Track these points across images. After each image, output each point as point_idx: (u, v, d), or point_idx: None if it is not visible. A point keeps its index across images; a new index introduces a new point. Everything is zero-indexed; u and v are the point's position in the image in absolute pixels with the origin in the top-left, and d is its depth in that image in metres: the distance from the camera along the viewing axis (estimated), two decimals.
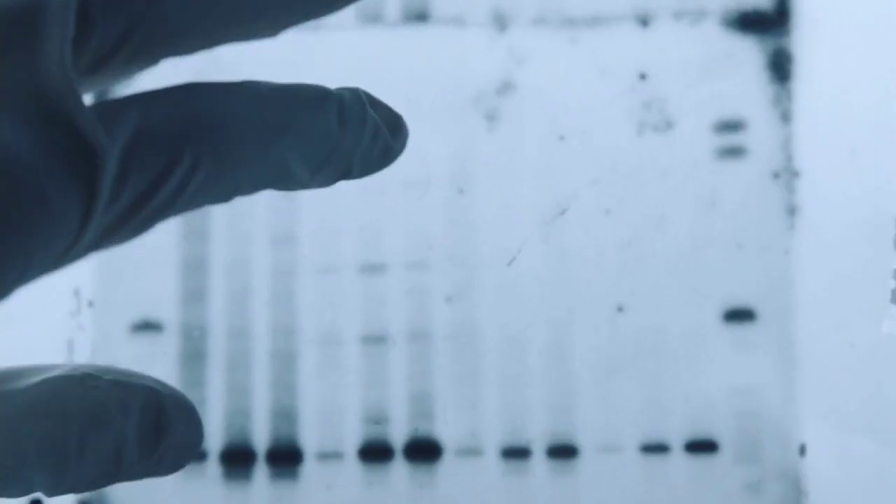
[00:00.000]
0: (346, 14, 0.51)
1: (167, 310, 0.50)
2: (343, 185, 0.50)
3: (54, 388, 0.22)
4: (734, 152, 0.49)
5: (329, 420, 0.49)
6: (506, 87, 0.50)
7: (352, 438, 0.49)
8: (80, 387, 0.22)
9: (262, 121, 0.21)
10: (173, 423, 0.23)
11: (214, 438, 0.49)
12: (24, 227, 0.18)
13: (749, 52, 0.50)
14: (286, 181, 0.22)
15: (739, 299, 0.49)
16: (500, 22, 0.50)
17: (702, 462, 0.48)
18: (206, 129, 0.20)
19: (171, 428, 0.23)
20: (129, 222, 0.20)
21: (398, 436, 0.49)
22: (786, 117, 0.49)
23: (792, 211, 0.49)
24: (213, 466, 0.49)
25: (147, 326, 0.50)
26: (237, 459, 0.49)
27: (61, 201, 0.18)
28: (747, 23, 0.50)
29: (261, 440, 0.49)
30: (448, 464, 0.49)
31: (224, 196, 0.21)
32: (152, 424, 0.23)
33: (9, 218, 0.18)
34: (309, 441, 0.49)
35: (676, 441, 0.49)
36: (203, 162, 0.20)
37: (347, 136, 0.23)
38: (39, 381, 0.22)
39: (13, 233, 0.18)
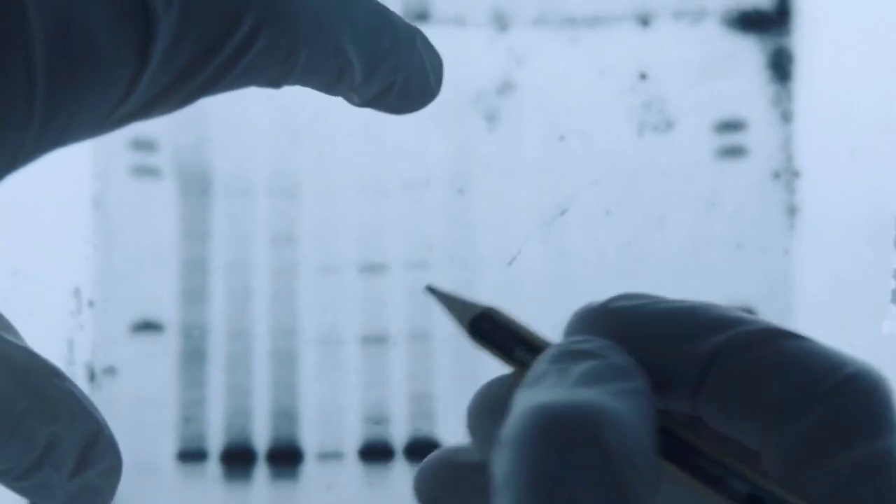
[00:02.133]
0: None
1: (167, 310, 0.50)
2: (343, 185, 0.50)
3: (27, 359, 0.22)
4: (734, 152, 0.49)
5: (329, 420, 0.49)
6: (506, 87, 0.50)
7: (352, 438, 0.49)
8: (46, 375, 0.22)
9: (328, 9, 0.21)
10: (99, 459, 0.23)
11: (215, 439, 0.49)
12: (76, 74, 0.17)
13: (749, 52, 0.50)
14: (340, 73, 0.22)
15: (739, 299, 0.49)
16: (500, 22, 0.50)
17: None
18: (271, 4, 0.20)
19: (96, 462, 0.23)
20: (178, 89, 0.19)
21: (398, 436, 0.49)
22: (786, 117, 0.49)
23: (792, 211, 0.49)
24: (213, 466, 0.49)
25: (147, 326, 0.50)
26: (237, 459, 0.49)
27: (114, 53, 0.18)
28: (747, 22, 0.50)
29: (261, 440, 0.49)
30: None
31: (279, 75, 0.21)
32: (84, 448, 0.23)
33: (62, 61, 0.17)
34: (309, 441, 0.49)
35: None
36: (262, 30, 0.19)
37: (398, 51, 0.23)
38: (19, 345, 0.22)
39: (65, 78, 0.17)
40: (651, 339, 0.20)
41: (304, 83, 0.22)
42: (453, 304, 0.23)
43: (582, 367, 0.19)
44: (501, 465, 0.17)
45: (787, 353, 0.19)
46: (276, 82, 0.21)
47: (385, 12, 0.23)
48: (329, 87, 0.22)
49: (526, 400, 0.18)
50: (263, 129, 0.50)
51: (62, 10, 0.17)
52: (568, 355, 0.19)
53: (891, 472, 0.18)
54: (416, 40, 0.24)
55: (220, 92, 0.20)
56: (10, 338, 0.22)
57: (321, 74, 0.22)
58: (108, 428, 0.24)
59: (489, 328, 0.23)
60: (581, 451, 0.17)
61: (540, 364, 0.19)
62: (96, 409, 0.23)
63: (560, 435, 0.17)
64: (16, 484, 0.22)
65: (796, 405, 0.18)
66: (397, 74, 0.23)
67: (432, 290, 0.23)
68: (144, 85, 0.18)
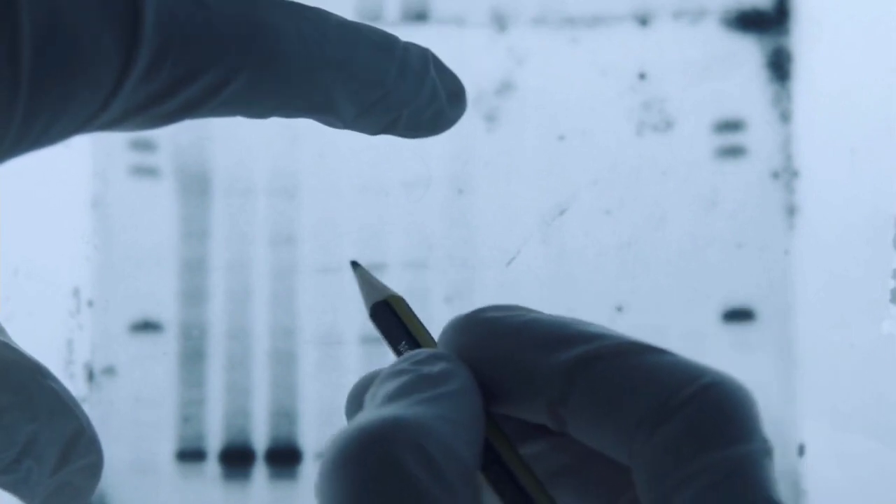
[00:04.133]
0: (346, 13, 0.51)
1: (167, 310, 0.50)
2: (343, 185, 0.50)
3: (8, 356, 0.22)
4: (734, 152, 0.49)
5: (329, 420, 0.49)
6: (506, 87, 0.50)
7: None
8: (28, 373, 0.22)
9: (319, 49, 0.21)
10: (80, 457, 0.23)
11: (214, 438, 0.49)
12: (60, 77, 0.17)
13: (749, 52, 0.50)
14: (328, 114, 0.22)
15: (739, 299, 0.49)
16: (500, 22, 0.50)
17: None
18: (258, 41, 0.20)
19: (76, 459, 0.23)
20: (158, 106, 0.19)
21: None
22: (785, 117, 0.49)
23: (792, 211, 0.49)
24: (213, 466, 0.49)
25: (147, 326, 0.50)
26: (237, 459, 0.49)
27: (98, 60, 0.18)
28: (747, 22, 0.50)
29: (261, 440, 0.49)
30: None
31: (261, 112, 0.21)
32: (65, 445, 0.23)
33: (48, 63, 0.17)
34: (309, 441, 0.49)
35: None
36: (243, 72, 0.20)
37: (403, 87, 0.23)
38: (4, 344, 0.22)
39: (49, 80, 0.17)
40: (513, 350, 0.20)
41: (291, 118, 0.22)
42: (368, 284, 0.24)
43: (395, 384, 0.19)
44: (317, 493, 0.18)
45: (645, 367, 0.19)
46: (260, 115, 0.21)
47: (391, 48, 0.22)
48: (321, 122, 0.22)
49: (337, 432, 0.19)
50: (263, 129, 0.50)
51: (53, 15, 0.17)
52: (394, 374, 0.20)
53: (749, 477, 0.18)
54: (428, 71, 0.23)
55: (203, 117, 0.20)
56: None
57: (307, 113, 0.22)
58: (90, 427, 0.24)
59: (387, 316, 0.24)
60: (377, 476, 0.17)
61: (374, 384, 0.20)
62: (79, 408, 0.24)
63: (354, 464, 0.17)
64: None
65: (655, 417, 0.18)
66: (402, 109, 0.23)
67: (354, 265, 0.24)
68: (124, 96, 0.19)
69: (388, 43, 0.22)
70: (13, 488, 0.23)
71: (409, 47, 0.23)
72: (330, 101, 0.21)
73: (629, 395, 0.19)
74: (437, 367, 0.20)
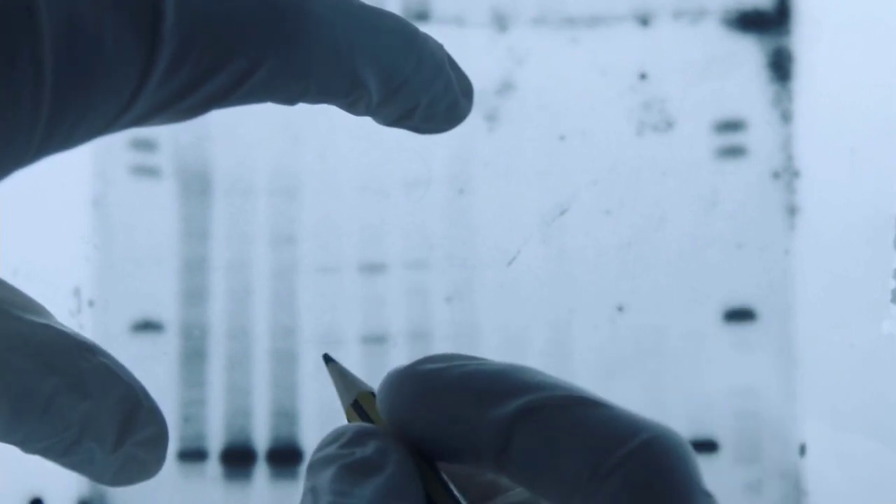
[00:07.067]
0: None
1: (167, 310, 0.50)
2: (343, 185, 0.50)
3: (51, 337, 0.22)
4: (734, 152, 0.49)
5: (329, 420, 0.49)
6: (506, 87, 0.50)
7: None
8: (75, 351, 0.22)
9: (343, 33, 0.21)
10: (140, 429, 0.23)
11: (214, 438, 0.49)
12: (82, 79, 0.17)
13: (749, 52, 0.50)
14: (352, 99, 0.22)
15: (739, 299, 0.49)
16: (500, 22, 0.50)
17: (702, 462, 0.48)
18: (281, 27, 0.20)
19: (136, 432, 0.23)
20: (183, 101, 0.19)
21: None
22: (786, 117, 0.49)
23: (792, 211, 0.49)
24: (213, 466, 0.49)
25: (147, 326, 0.50)
26: (237, 459, 0.49)
27: (120, 59, 0.18)
28: (747, 22, 0.50)
29: (261, 440, 0.49)
30: None
31: (288, 97, 0.21)
32: (124, 419, 0.23)
33: (69, 66, 0.17)
34: (309, 441, 0.49)
35: None
36: (268, 59, 0.19)
37: (422, 75, 0.23)
38: (42, 323, 0.22)
39: (71, 82, 0.17)
40: (451, 407, 0.20)
41: (318, 103, 0.22)
42: (343, 380, 0.24)
43: (325, 477, 0.19)
44: None
45: (583, 422, 0.19)
46: (287, 101, 0.21)
47: (411, 36, 0.22)
48: (346, 108, 0.22)
49: None
50: (264, 129, 0.50)
51: (73, 16, 0.17)
52: (324, 462, 0.20)
53: None
54: (444, 63, 0.23)
55: (230, 106, 0.20)
56: (33, 318, 0.22)
57: (335, 97, 0.22)
58: (148, 398, 0.23)
59: (360, 412, 0.24)
60: None
61: (312, 467, 0.20)
62: (135, 380, 0.23)
63: None
64: (61, 460, 0.22)
65: (593, 477, 0.18)
66: (420, 98, 0.23)
67: (328, 360, 0.25)
68: (149, 93, 0.18)
69: (408, 30, 0.22)
70: (79, 469, 0.23)
71: (427, 37, 0.23)
72: (355, 85, 0.21)
73: (566, 453, 0.19)
74: (368, 450, 0.20)
